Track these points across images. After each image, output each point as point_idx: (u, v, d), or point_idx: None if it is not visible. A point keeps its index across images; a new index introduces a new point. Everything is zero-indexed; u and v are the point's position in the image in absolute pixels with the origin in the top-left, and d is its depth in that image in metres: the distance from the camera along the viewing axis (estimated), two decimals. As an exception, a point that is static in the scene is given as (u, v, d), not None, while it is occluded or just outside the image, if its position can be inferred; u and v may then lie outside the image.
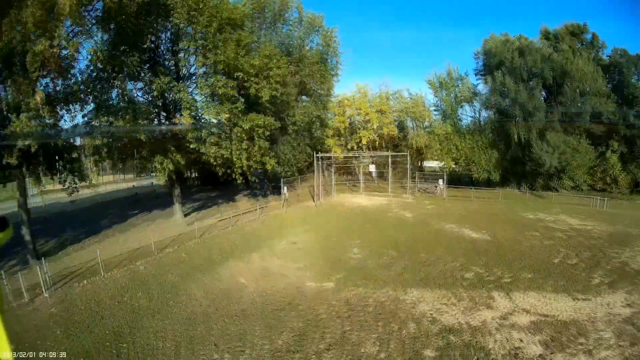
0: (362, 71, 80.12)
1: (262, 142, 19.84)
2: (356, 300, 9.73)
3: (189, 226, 18.60)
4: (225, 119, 18.47)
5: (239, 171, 20.26)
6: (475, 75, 32.53)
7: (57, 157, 15.69)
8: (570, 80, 23.46)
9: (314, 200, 26.35)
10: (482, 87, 30.11)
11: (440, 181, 26.62)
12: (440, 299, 9.75)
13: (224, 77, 17.66)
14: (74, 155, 16.82)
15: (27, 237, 14.10)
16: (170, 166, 17.93)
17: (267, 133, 19.74)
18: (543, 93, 25.57)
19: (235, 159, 19.37)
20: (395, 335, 7.91)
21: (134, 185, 35.45)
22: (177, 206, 21.74)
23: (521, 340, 7.92)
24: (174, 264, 13.46)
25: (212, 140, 18.13)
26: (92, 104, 15.66)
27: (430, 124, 32.54)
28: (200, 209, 24.17)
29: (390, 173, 28.04)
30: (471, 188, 25.87)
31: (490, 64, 28.22)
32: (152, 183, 35.83)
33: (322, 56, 27.64)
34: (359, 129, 32.32)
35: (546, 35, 27.83)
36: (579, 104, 23.47)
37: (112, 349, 8.05)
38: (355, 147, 32.46)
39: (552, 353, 7.50)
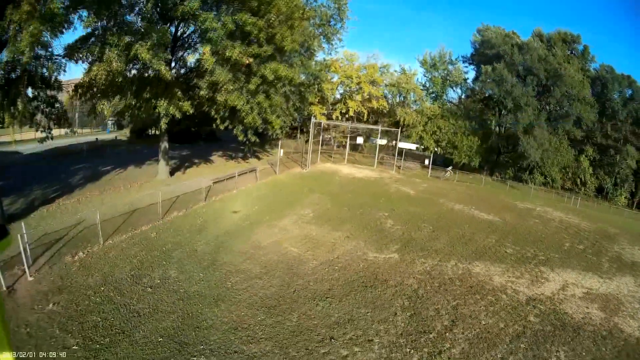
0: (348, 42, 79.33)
1: (278, 98, 19.02)
2: (436, 273, 10.56)
3: (180, 187, 17.13)
4: (245, 65, 17.08)
5: (245, 126, 19.34)
6: (464, 62, 35.29)
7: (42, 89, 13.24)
8: (561, 84, 27.10)
9: (301, 167, 26.32)
10: (472, 74, 32.97)
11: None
12: (504, 273, 11.19)
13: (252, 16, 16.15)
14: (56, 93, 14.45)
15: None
16: (178, 113, 16.10)
17: (285, 88, 18.96)
18: (535, 91, 29.04)
19: (244, 114, 18.25)
20: (499, 306, 9.00)
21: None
22: (162, 163, 19.98)
23: (586, 307, 9.77)
24: (192, 230, 12.46)
25: (229, 87, 16.63)
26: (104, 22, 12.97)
27: (419, 102, 34.32)
28: (179, 169, 22.28)
29: (377, 147, 29.27)
30: (447, 170, 28.77)
31: (487, 54, 30.82)
32: (96, 139, 31.91)
33: (329, 18, 27.21)
34: (347, 98, 32.56)
35: (540, 38, 31.29)
36: (565, 108, 27.41)
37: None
38: (339, 117, 32.74)
39: (610, 317, 9.48)
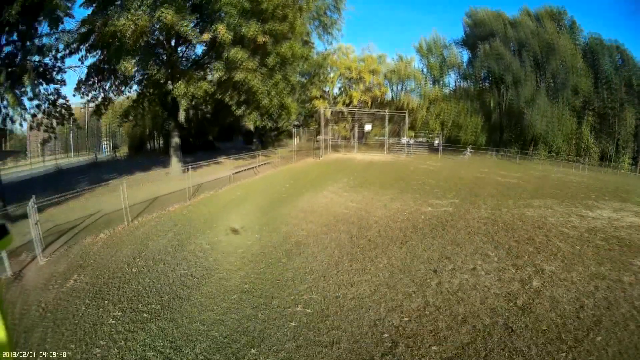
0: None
1: (294, 78, 19.45)
2: (495, 218, 11.03)
3: (199, 179, 17.19)
4: (260, 43, 17.47)
5: (261, 112, 19.69)
6: (456, 44, 36.61)
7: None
8: (555, 56, 28.56)
9: (313, 158, 26.77)
10: (467, 55, 34.30)
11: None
12: (554, 215, 11.78)
13: None
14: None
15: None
16: (199, 92, 16.33)
17: (302, 66, 19.44)
18: (532, 64, 30.38)
19: (261, 96, 18.59)
20: (567, 236, 9.54)
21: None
22: (174, 160, 20.05)
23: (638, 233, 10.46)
24: (228, 204, 12.58)
25: (248, 65, 16.92)
26: None
27: (420, 87, 35.35)
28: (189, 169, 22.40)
29: (387, 131, 30.01)
30: (466, 152, 29.70)
31: (479, 34, 32.17)
32: (94, 156, 32.27)
33: (326, 9, 27.89)
34: (349, 88, 33.32)
35: (528, 15, 32.90)
36: (561, 79, 28.78)
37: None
38: (343, 109, 33.45)
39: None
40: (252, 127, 33.50)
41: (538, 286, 6.59)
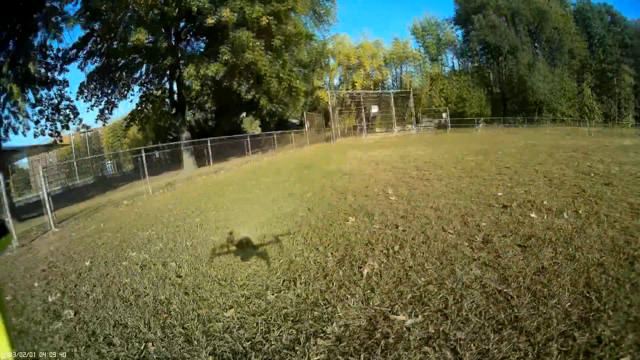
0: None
1: (303, 54, 19.63)
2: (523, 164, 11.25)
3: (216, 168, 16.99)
4: (265, 24, 17.72)
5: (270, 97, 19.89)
6: (449, 22, 37.35)
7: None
8: (548, 22, 29.27)
9: (325, 142, 26.93)
10: (461, 33, 35.03)
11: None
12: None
13: None
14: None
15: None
16: (210, 71, 16.46)
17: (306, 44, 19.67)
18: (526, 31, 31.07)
19: (269, 78, 18.78)
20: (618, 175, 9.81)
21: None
22: (185, 156, 19.91)
23: None
24: (259, 171, 12.67)
25: (254, 44, 17.11)
26: None
27: (420, 66, 35.87)
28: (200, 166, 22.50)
29: (394, 112, 30.33)
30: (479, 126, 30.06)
31: (471, 9, 32.85)
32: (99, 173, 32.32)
33: None
34: (350, 76, 33.73)
35: (516, -14, 33.73)
36: (556, 43, 29.45)
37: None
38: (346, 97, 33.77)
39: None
40: (253, 131, 33.62)
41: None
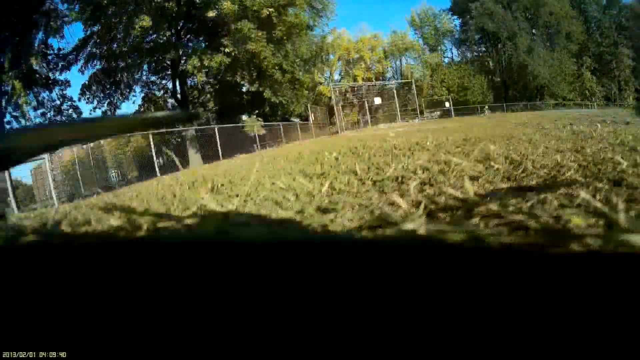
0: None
1: (306, 47, 19.63)
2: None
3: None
4: (266, 15, 17.74)
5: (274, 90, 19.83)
6: (446, 12, 37.49)
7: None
8: (544, 6, 29.39)
9: (329, 135, 26.91)
10: (458, 23, 35.21)
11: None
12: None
13: None
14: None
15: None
16: (214, 62, 16.44)
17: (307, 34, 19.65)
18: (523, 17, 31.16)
19: (272, 70, 18.76)
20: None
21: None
22: (191, 152, 19.65)
23: None
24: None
25: (257, 35, 17.10)
26: None
27: (420, 56, 35.94)
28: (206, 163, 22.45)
29: (396, 101, 30.36)
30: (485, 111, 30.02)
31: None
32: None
33: None
34: (350, 70, 33.75)
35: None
36: (554, 27, 29.60)
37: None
38: (348, 90, 33.76)
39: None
40: (254, 133, 33.30)
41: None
